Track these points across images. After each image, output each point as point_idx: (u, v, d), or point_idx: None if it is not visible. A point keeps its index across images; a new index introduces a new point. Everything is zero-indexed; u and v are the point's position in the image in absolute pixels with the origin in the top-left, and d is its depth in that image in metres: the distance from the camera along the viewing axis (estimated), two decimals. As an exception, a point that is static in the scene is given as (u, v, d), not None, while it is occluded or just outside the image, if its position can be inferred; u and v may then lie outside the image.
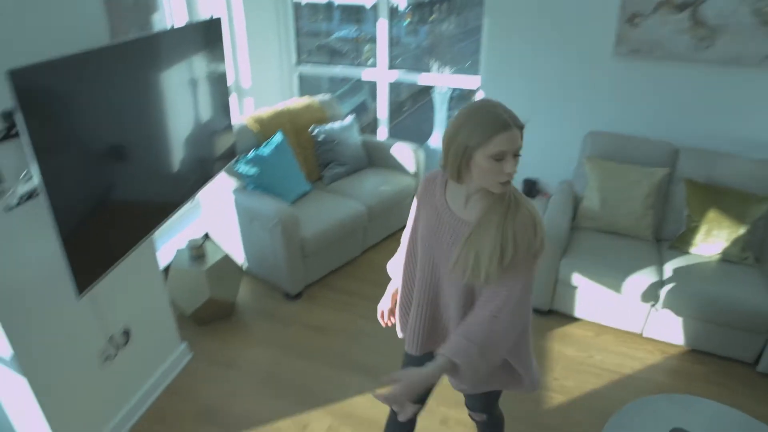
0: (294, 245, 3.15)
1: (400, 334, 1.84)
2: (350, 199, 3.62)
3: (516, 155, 1.37)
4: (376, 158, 4.12)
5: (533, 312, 3.23)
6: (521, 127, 1.36)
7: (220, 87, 2.71)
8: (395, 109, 5.08)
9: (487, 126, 1.33)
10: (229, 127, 2.87)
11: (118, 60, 1.92)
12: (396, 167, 4.03)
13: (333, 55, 5.80)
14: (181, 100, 2.38)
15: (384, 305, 1.96)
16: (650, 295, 2.84)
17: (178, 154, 2.39)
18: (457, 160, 1.40)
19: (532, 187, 3.84)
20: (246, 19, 3.97)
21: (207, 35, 2.53)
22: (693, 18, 3.20)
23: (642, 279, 2.84)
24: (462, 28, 5.30)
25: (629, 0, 3.25)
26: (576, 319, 3.19)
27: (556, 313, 3.22)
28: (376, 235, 3.85)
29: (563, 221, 3.07)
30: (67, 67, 1.66)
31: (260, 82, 4.34)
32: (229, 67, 4.12)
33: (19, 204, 1.80)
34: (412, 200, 3.96)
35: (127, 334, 2.43)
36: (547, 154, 3.75)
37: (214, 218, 3.61)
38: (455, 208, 1.52)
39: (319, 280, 3.54)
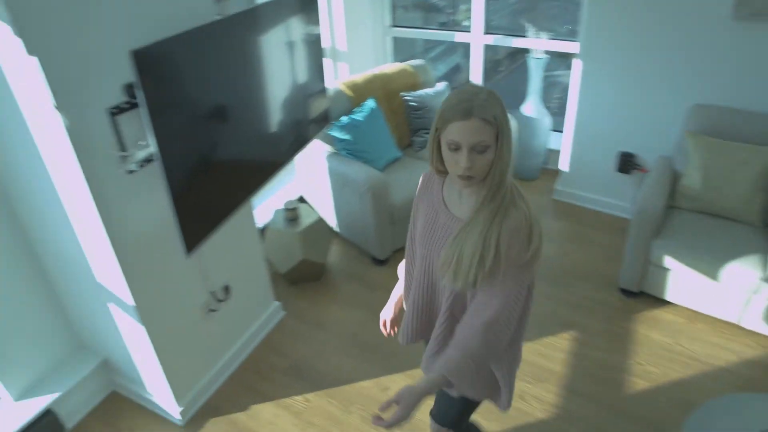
0: (383, 212, 3.24)
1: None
2: (439, 167, 3.64)
3: (479, 151, 1.27)
4: (467, 125, 4.07)
5: (621, 292, 3.16)
6: (488, 121, 1.25)
7: (315, 52, 2.77)
8: (491, 67, 4.95)
9: (450, 110, 1.27)
10: (324, 91, 2.94)
11: (223, 33, 2.03)
12: (487, 135, 3.97)
13: (428, 10, 5.71)
14: (279, 68, 2.48)
15: (386, 314, 1.89)
16: (753, 284, 2.68)
17: (277, 119, 2.51)
18: (429, 144, 1.37)
19: (628, 161, 3.68)
20: None
21: (303, 3, 2.59)
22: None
23: (744, 266, 2.69)
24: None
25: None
26: (667, 303, 3.08)
27: (646, 296, 3.12)
28: (464, 203, 3.84)
29: (658, 199, 2.94)
30: (181, 43, 1.78)
31: (355, 46, 4.39)
32: (324, 32, 4.19)
33: (137, 169, 1.99)
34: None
35: (227, 290, 2.63)
36: (647, 127, 3.55)
37: (307, 181, 3.76)
38: (451, 205, 1.47)
39: (406, 246, 3.62)
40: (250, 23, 2.19)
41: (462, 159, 1.28)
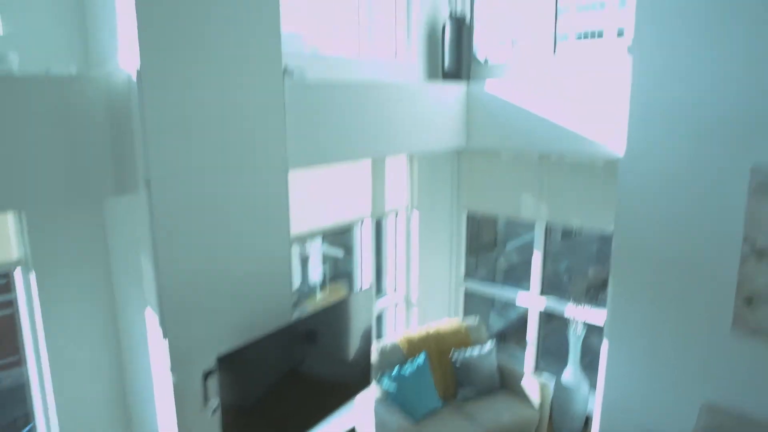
0: (411, 458, 3.80)
1: None
2: (472, 422, 4.17)
3: None
4: (509, 383, 4.62)
5: None
6: None
7: (365, 333, 3.64)
8: (547, 320, 5.58)
9: None
10: (369, 360, 3.73)
11: (289, 333, 2.97)
12: (524, 397, 4.47)
13: (505, 270, 6.58)
14: (332, 344, 3.36)
15: None
16: None
17: (323, 385, 3.32)
18: None
19: (651, 442, 3.97)
20: (420, 236, 5.05)
21: (360, 303, 3.54)
22: (814, 311, 3.33)
23: None
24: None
25: (746, 280, 3.46)
26: None
27: None
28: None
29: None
30: (255, 347, 2.72)
31: (427, 295, 5.27)
32: (401, 281, 5.16)
33: (212, 414, 2.85)
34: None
35: None
36: (668, 411, 3.89)
37: (361, 414, 4.43)
38: None
39: (435, 490, 4.05)
40: (311, 322, 3.13)
41: None
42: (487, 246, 6.56)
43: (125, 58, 2.51)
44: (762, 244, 3.38)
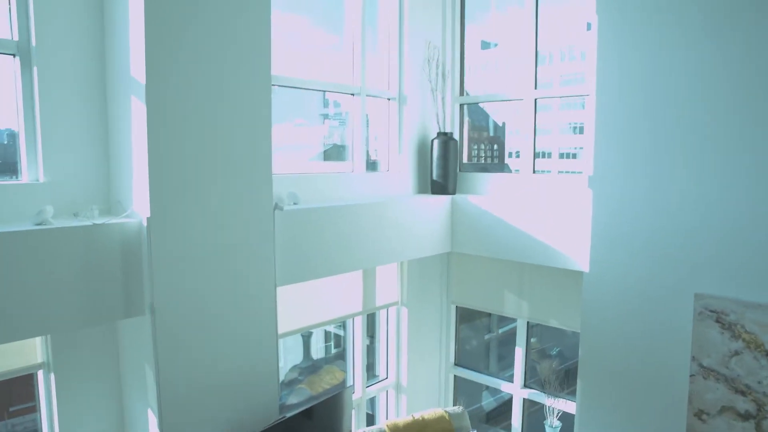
0: None
1: None
2: None
3: None
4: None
5: None
6: None
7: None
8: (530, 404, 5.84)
9: None
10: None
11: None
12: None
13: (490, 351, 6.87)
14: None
15: None
16: None
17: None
18: None
19: None
20: (410, 328, 5.40)
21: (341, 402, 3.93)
22: (758, 429, 3.59)
23: None
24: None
25: (696, 396, 3.76)
26: None
27: None
28: None
29: None
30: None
31: (416, 380, 5.59)
32: (392, 367, 5.50)
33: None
34: None
35: None
36: None
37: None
38: None
39: None
40: (298, 420, 3.53)
41: None
42: (480, 328, 6.88)
43: (138, 203, 3.04)
44: (707, 364, 3.69)
